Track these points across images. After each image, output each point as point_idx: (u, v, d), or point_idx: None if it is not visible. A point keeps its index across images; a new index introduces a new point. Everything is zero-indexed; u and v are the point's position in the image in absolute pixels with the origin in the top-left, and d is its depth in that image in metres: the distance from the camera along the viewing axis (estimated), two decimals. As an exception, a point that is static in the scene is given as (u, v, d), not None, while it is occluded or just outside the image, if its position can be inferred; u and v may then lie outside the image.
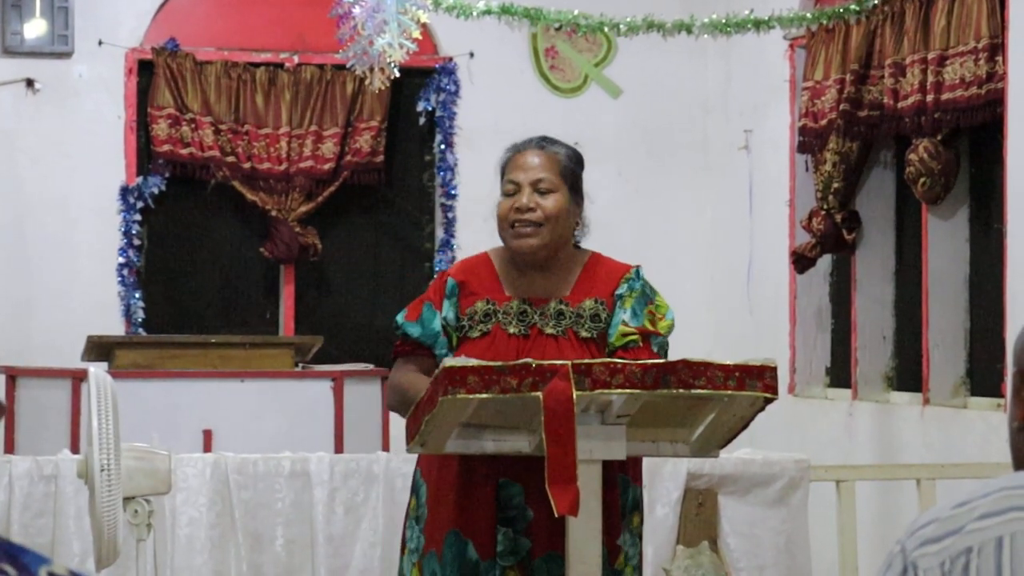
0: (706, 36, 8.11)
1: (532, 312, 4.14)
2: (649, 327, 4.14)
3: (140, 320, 9.33)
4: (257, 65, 9.49)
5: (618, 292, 4.17)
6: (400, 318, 4.22)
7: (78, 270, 9.30)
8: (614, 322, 4.14)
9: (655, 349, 4.13)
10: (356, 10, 6.63)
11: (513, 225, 4.14)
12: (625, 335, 4.12)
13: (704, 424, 3.99)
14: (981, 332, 7.66)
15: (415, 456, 4.27)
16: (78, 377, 7.47)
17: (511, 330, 4.12)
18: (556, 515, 3.71)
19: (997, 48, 7.04)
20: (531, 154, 4.21)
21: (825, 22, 8.16)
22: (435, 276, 4.34)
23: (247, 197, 9.45)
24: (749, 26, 7.98)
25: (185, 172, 9.43)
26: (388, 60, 6.72)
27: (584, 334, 4.13)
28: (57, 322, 9.13)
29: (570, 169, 4.22)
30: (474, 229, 9.35)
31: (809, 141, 8.35)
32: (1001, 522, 2.03)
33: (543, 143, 4.25)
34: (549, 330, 4.13)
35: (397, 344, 4.22)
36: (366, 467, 5.95)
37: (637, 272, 4.23)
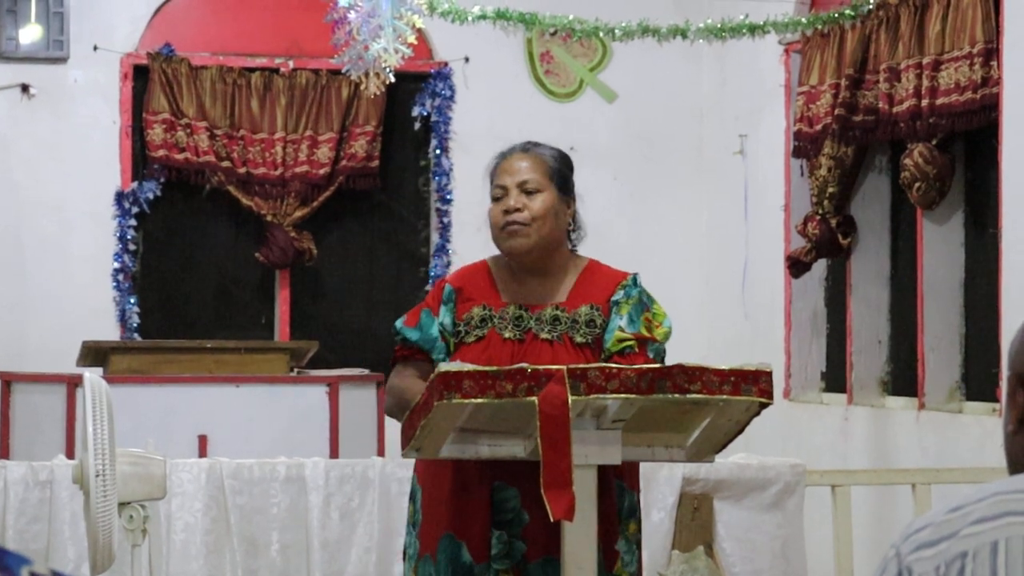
0: (701, 41, 8.11)
1: (527, 317, 4.15)
2: (645, 333, 4.14)
3: (135, 325, 9.32)
4: (252, 70, 9.49)
5: (614, 299, 4.18)
6: (399, 323, 4.25)
7: (73, 275, 9.29)
8: (610, 327, 4.15)
9: (651, 355, 4.13)
10: (351, 15, 6.63)
11: (504, 228, 4.15)
12: (621, 340, 4.13)
13: (699, 429, 3.99)
14: (976, 336, 7.66)
15: (411, 462, 4.28)
16: (73, 382, 7.47)
17: (506, 335, 4.13)
18: (552, 520, 3.71)
19: (992, 53, 7.05)
20: (517, 158, 4.23)
21: (820, 27, 8.16)
22: (432, 282, 4.33)
23: (242, 202, 9.45)
24: (744, 31, 7.99)
25: (180, 177, 9.43)
26: (383, 65, 6.72)
27: (579, 339, 4.13)
28: (52, 327, 9.13)
29: (556, 170, 4.23)
30: (469, 234, 9.35)
31: (804, 146, 8.35)
32: (996, 527, 2.03)
33: (528, 146, 4.28)
34: (544, 335, 4.13)
35: (396, 349, 4.25)
36: (361, 472, 5.95)
37: (634, 279, 4.23)
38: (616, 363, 4.02)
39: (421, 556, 4.11)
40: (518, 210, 4.15)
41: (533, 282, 4.21)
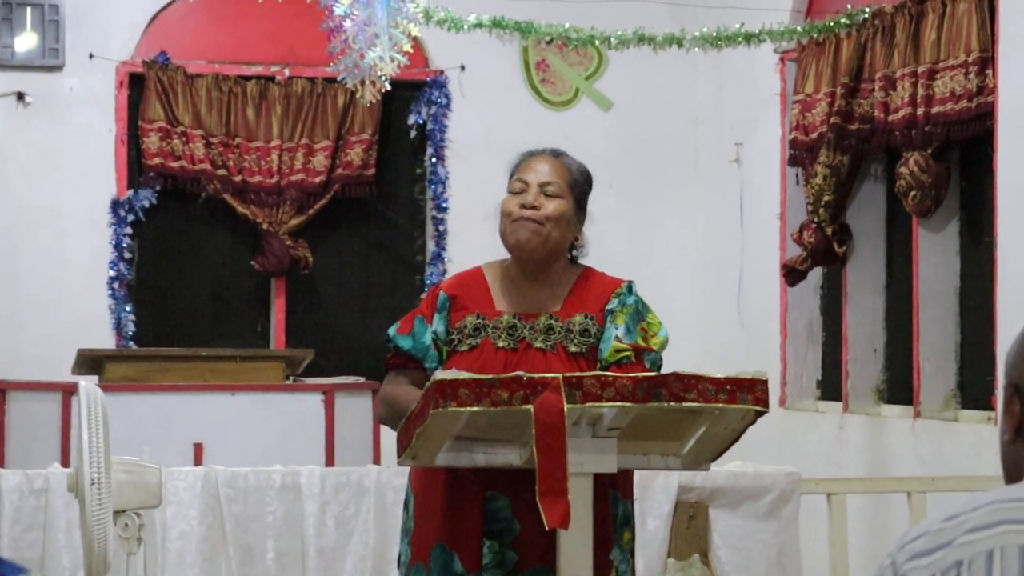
0: (697, 49, 8.13)
1: (522, 326, 4.14)
2: (642, 343, 4.13)
3: (131, 333, 9.32)
4: (248, 78, 9.49)
5: (608, 307, 4.17)
6: (392, 331, 4.24)
7: (68, 283, 9.29)
8: (605, 337, 4.13)
9: (648, 365, 4.12)
10: (347, 23, 6.63)
11: (515, 219, 4.14)
12: (619, 351, 4.11)
13: (695, 437, 3.99)
14: (972, 345, 7.67)
15: (407, 470, 4.28)
16: (68, 390, 7.47)
17: (500, 344, 4.12)
18: (547, 528, 3.71)
19: (987, 61, 7.06)
20: (543, 159, 4.24)
21: (816, 35, 8.17)
22: (427, 289, 4.32)
23: (238, 210, 9.45)
24: (740, 39, 8.00)
25: (176, 185, 9.43)
26: (379, 73, 6.72)
27: (573, 349, 4.13)
28: (47, 335, 9.12)
29: (578, 183, 4.23)
30: (465, 242, 9.36)
31: (800, 154, 8.36)
32: (991, 535, 2.03)
33: (558, 152, 4.29)
34: (538, 344, 4.13)
35: (389, 357, 4.24)
36: (357, 480, 5.94)
37: (629, 287, 4.21)
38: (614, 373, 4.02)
39: (413, 564, 4.11)
40: (535, 208, 4.15)
41: (530, 290, 4.20)
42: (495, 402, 3.71)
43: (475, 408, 3.71)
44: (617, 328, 4.14)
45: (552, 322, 4.15)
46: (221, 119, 9.42)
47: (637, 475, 5.99)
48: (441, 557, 4.05)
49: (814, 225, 8.29)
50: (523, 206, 4.15)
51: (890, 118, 7.60)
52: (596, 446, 3.85)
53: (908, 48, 7.49)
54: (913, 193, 7.51)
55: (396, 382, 4.20)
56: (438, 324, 4.17)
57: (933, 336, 7.77)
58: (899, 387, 8.18)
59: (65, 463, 6.82)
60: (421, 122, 9.69)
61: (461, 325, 4.16)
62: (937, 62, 7.31)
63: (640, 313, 4.17)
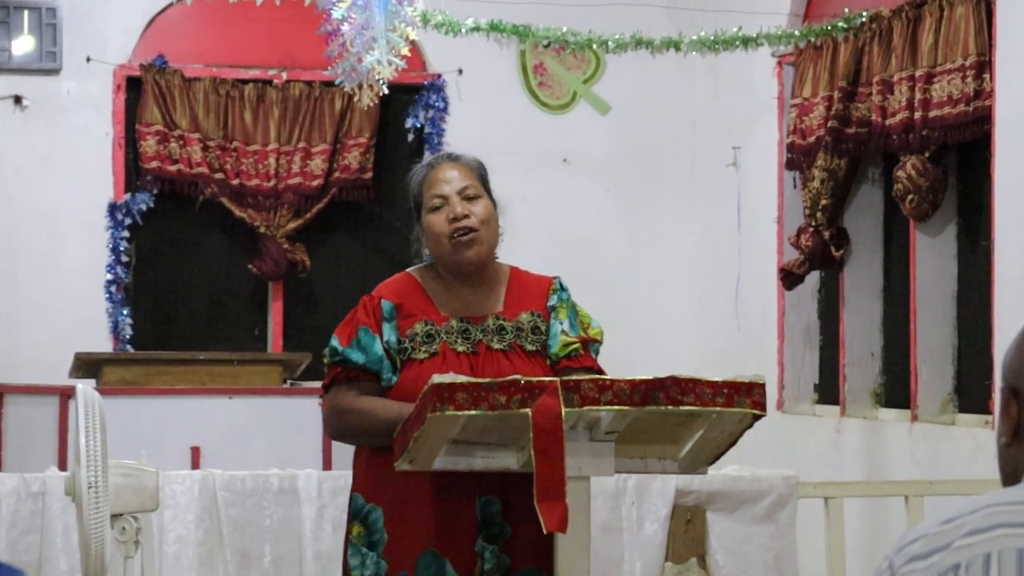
0: (694, 53, 8.13)
1: (474, 329, 4.13)
2: (584, 335, 4.18)
3: (128, 337, 9.32)
4: (245, 82, 9.49)
5: (550, 304, 4.20)
6: (337, 345, 4.16)
7: (66, 286, 9.29)
8: (552, 333, 4.16)
9: (593, 355, 4.19)
10: (345, 27, 6.63)
11: (452, 237, 4.12)
12: (567, 345, 4.15)
13: (692, 441, 3.99)
14: (969, 348, 7.67)
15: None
16: (66, 394, 7.47)
17: (459, 348, 4.11)
18: (545, 531, 3.71)
19: (984, 65, 7.06)
20: (448, 167, 4.20)
21: (813, 39, 8.18)
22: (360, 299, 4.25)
23: (235, 214, 9.45)
24: (737, 43, 8.00)
25: (173, 189, 9.43)
26: (377, 77, 6.72)
27: (530, 347, 4.14)
28: (44, 339, 9.12)
29: (485, 177, 4.24)
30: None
31: (797, 158, 8.36)
32: (989, 538, 2.03)
33: (453, 156, 4.27)
34: (496, 345, 4.12)
35: (337, 371, 4.16)
36: (354, 484, 5.93)
37: (561, 283, 4.26)
38: (565, 367, 4.09)
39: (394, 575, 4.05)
40: (466, 216, 4.13)
41: (469, 293, 4.18)
42: (492, 406, 3.71)
43: (473, 412, 3.71)
44: (562, 323, 4.17)
45: (502, 322, 4.14)
46: (218, 122, 9.42)
47: (635, 478, 6.00)
48: (433, 564, 4.02)
49: (811, 229, 8.29)
50: (454, 219, 4.12)
51: (887, 122, 7.61)
52: (593, 450, 3.85)
53: (905, 52, 7.50)
54: (910, 197, 7.52)
55: (351, 394, 4.15)
56: (389, 333, 4.11)
57: (930, 340, 7.77)
58: (896, 391, 8.18)
59: (62, 467, 6.82)
60: (419, 126, 9.69)
61: (412, 333, 4.11)
62: (934, 66, 7.31)
63: (574, 307, 4.22)
